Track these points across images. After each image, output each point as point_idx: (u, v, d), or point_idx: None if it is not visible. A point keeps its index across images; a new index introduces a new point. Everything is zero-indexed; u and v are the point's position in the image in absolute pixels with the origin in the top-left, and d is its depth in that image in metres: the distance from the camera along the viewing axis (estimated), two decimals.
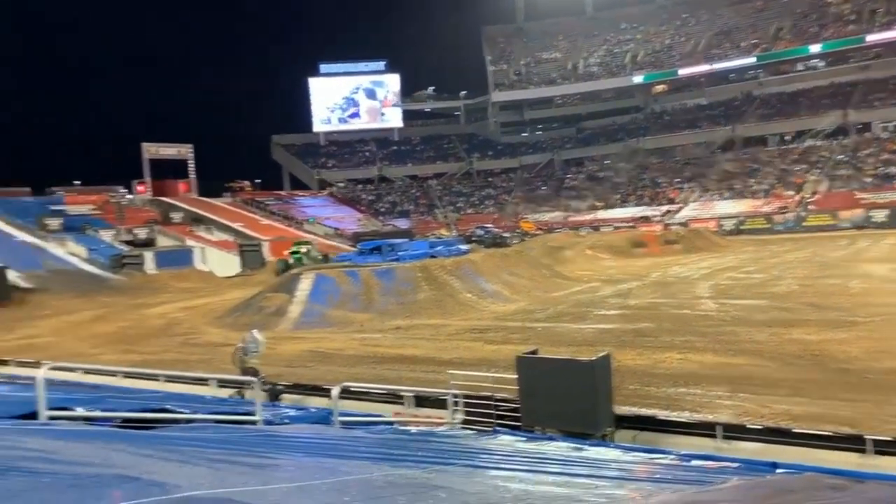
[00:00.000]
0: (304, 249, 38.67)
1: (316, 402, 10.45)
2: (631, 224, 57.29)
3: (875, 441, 7.16)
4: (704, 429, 8.05)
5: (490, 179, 79.85)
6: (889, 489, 4.39)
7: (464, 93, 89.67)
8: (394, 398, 10.38)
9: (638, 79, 77.71)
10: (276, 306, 22.28)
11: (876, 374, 11.35)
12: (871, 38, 64.68)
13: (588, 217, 63.89)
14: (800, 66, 72.72)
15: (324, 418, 7.93)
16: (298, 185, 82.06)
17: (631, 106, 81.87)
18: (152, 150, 62.48)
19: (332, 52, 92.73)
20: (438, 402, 9.84)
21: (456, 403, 9.34)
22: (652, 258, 37.47)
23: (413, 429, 7.82)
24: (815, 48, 68.20)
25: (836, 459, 6.94)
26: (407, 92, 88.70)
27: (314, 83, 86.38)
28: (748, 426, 7.98)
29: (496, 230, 51.94)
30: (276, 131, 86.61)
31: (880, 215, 48.46)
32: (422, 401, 10.11)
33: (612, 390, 8.60)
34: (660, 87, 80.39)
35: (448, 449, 5.12)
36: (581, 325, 18.32)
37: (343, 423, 7.73)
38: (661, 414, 8.84)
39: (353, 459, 4.41)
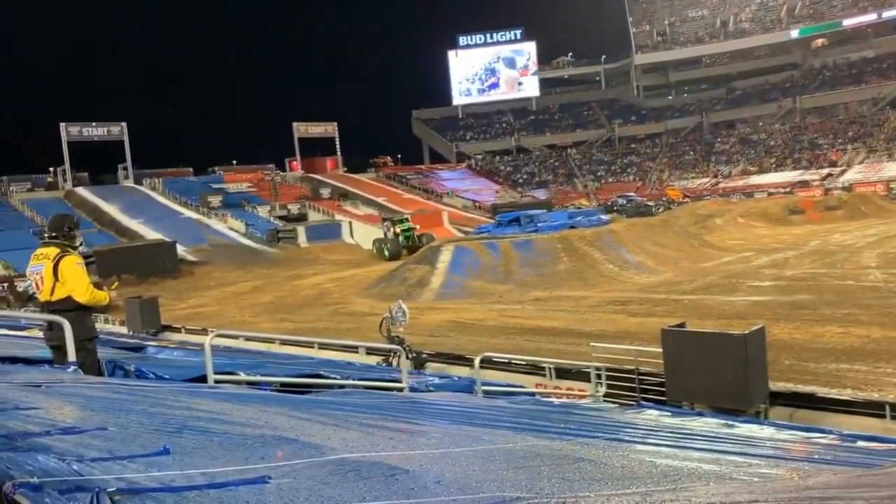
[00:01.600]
0: (399, 230, 35.71)
1: (458, 371, 10.67)
2: (787, 189, 53.71)
3: None
4: (870, 408, 7.49)
5: (633, 146, 77.33)
6: None
7: (604, 57, 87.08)
8: (535, 369, 10.41)
9: (794, 33, 72.18)
10: (419, 278, 22.89)
11: None
12: None
13: (740, 183, 60.52)
14: None
15: (466, 387, 8.08)
16: (438, 158, 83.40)
17: (787, 63, 76.25)
18: (302, 129, 65.56)
19: (470, 24, 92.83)
20: (580, 375, 9.77)
21: (598, 376, 9.24)
22: (811, 225, 35.07)
23: (555, 400, 7.81)
24: None
25: None
26: (544, 59, 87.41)
27: (453, 56, 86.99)
28: None
29: (639, 199, 50.41)
30: (416, 106, 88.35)
31: None
32: (563, 373, 10.08)
33: (766, 365, 8.18)
34: (819, 41, 74.26)
35: (591, 421, 5.07)
36: (732, 297, 17.50)
37: (485, 392, 7.85)
38: (821, 391, 8.30)
39: (496, 428, 4.47)
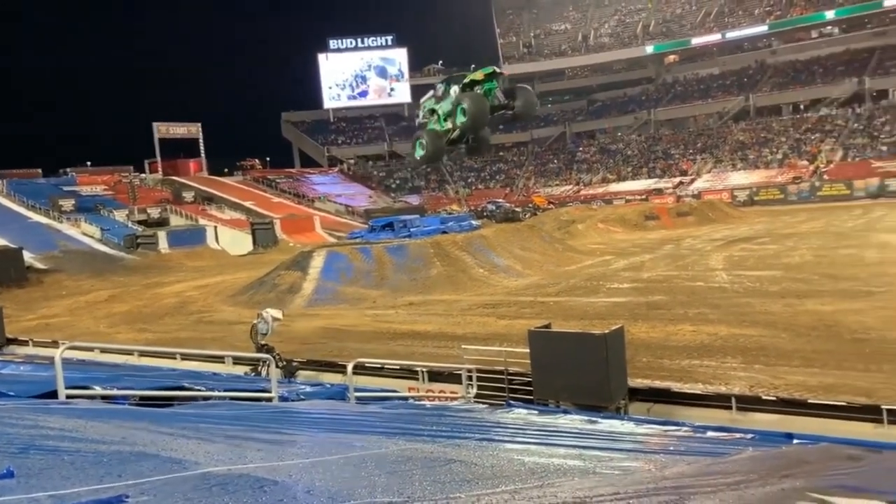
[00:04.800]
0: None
1: (331, 379, 10.53)
2: (643, 196, 56.95)
3: (891, 411, 7.15)
4: (719, 400, 8.06)
5: (501, 154, 79.45)
6: None
7: (473, 66, 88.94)
8: (408, 373, 10.45)
9: (649, 49, 76.79)
10: (290, 284, 22.40)
11: (891, 344, 11.29)
12: (889, 2, 63.44)
13: (600, 190, 63.55)
14: (814, 34, 71.53)
15: (339, 394, 7.99)
16: (309, 162, 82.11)
17: (642, 77, 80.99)
18: (163, 130, 62.60)
19: (342, 28, 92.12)
20: (452, 377, 9.91)
21: (469, 378, 9.39)
22: (664, 230, 37.32)
23: (428, 403, 7.88)
24: (829, 14, 67.02)
25: (852, 430, 6.93)
26: (416, 66, 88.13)
27: (323, 59, 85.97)
28: (763, 398, 7.98)
29: (508, 205, 51.83)
30: (286, 108, 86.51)
31: None
32: (436, 376, 10.18)
33: (625, 363, 8.61)
34: (671, 58, 79.40)
35: (462, 423, 5.15)
36: (593, 298, 18.31)
37: (358, 398, 7.79)
38: (675, 386, 8.85)
39: (368, 434, 4.44)
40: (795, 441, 5.04)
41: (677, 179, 61.20)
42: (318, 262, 23.02)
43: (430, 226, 28.12)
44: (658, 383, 9.06)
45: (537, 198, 59.48)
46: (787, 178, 54.62)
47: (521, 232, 29.30)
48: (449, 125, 21.97)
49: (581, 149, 75.55)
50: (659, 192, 58.38)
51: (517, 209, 48.96)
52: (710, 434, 5.15)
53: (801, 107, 65.65)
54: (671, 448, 4.47)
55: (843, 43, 68.27)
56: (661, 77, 79.56)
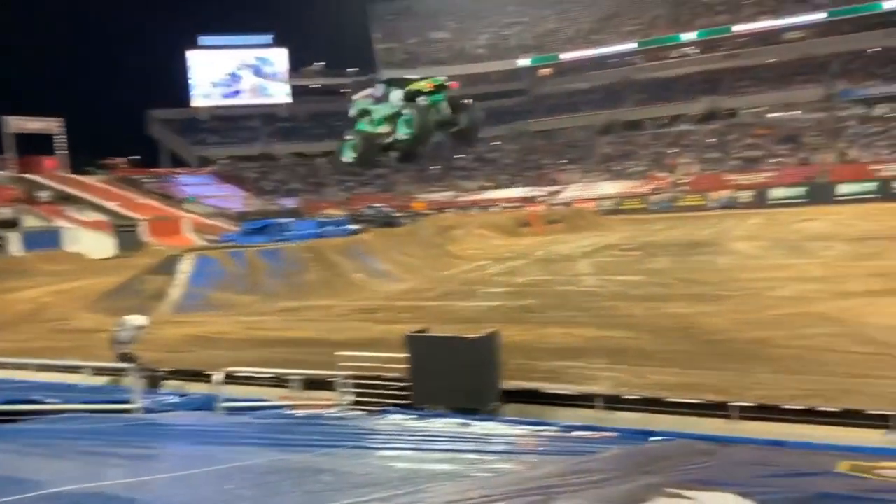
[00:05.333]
0: None
1: (198, 388, 10.10)
2: (518, 204, 58.56)
3: (739, 407, 7.69)
4: (585, 400, 8.39)
5: (379, 158, 79.27)
6: (752, 451, 4.72)
7: (353, 69, 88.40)
8: (280, 382, 10.20)
9: (524, 62, 79.18)
10: (155, 289, 21.33)
11: (740, 344, 12.17)
12: (738, 28, 68.62)
13: (477, 197, 64.78)
14: (674, 53, 76.21)
15: (206, 404, 7.69)
16: (178, 162, 78.58)
17: (518, 89, 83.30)
18: (16, 124, 58.05)
19: (215, 24, 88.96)
20: (327, 385, 9.76)
21: (345, 385, 9.29)
22: (537, 237, 38.49)
23: (300, 412, 7.71)
24: (688, 36, 71.62)
25: (705, 425, 7.41)
26: (295, 67, 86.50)
27: (193, 56, 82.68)
28: (625, 397, 8.38)
29: (387, 209, 51.80)
30: (154, 106, 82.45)
31: (745, 196, 51.78)
32: (310, 383, 10.00)
33: (499, 365, 8.79)
34: (545, 71, 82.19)
35: (335, 431, 5.08)
36: (470, 302, 18.61)
37: (227, 408, 7.52)
38: (546, 387, 9.13)
39: (236, 446, 4.29)
40: (654, 438, 5.32)
41: (549, 188, 63.40)
42: (186, 266, 22.06)
43: (306, 229, 27.66)
44: (530, 384, 9.33)
45: (417, 203, 59.86)
46: (648, 188, 57.81)
47: (400, 237, 29.37)
48: (383, 130, 21.25)
49: (459, 156, 76.75)
50: (532, 199, 60.25)
51: (396, 214, 49.06)
52: (576, 433, 5.35)
53: (662, 122, 69.70)
54: (541, 448, 4.61)
55: (699, 63, 73.10)
56: (535, 89, 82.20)
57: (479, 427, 5.67)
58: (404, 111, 20.01)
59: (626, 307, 16.19)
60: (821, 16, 65.08)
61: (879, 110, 57.52)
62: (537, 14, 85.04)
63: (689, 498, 2.72)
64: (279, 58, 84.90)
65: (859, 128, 56.40)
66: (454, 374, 8.21)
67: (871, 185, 46.96)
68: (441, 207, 58.74)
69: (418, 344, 8.72)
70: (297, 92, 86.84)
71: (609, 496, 2.54)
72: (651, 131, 69.22)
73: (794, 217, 38.28)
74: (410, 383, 8.71)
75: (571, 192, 61.47)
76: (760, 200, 50.07)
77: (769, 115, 63.92)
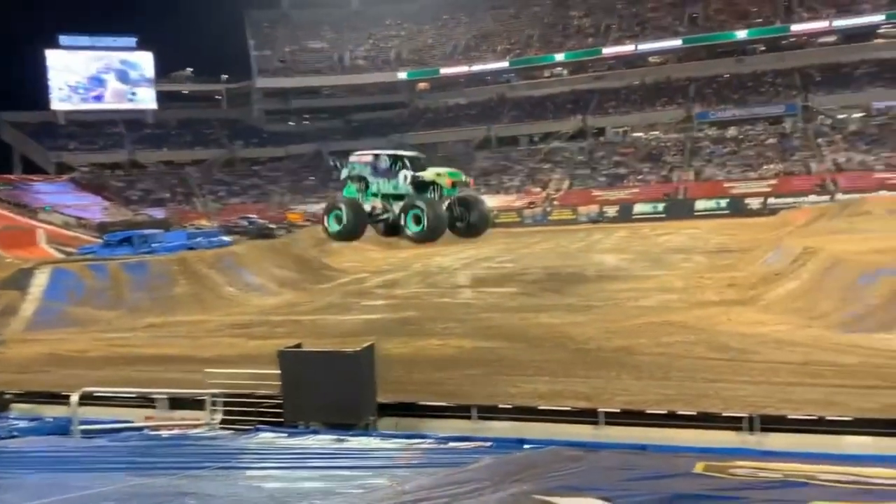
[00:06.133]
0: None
1: (52, 412, 9.39)
2: None
3: (606, 413, 8.01)
4: (461, 411, 8.46)
5: (255, 168, 77.18)
6: (618, 456, 4.91)
7: (225, 76, 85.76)
8: (145, 401, 9.66)
9: (402, 75, 79.64)
10: (5, 305, 19.73)
11: (607, 353, 12.71)
12: (607, 51, 72.17)
13: None
14: (546, 73, 79.10)
15: (61, 428, 7.16)
16: (33, 168, 73.20)
17: (397, 101, 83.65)
18: None
19: (76, 23, 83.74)
20: (195, 403, 9.33)
21: (214, 403, 8.92)
22: (416, 249, 38.59)
23: (165, 433, 7.32)
24: (559, 57, 74.52)
25: (574, 432, 7.66)
26: (163, 72, 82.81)
27: (53, 56, 77.49)
28: (500, 406, 8.53)
29: (261, 221, 50.52)
30: (6, 108, 76.51)
31: (612, 211, 54.34)
32: (176, 403, 9.53)
33: (375, 379, 8.73)
34: (423, 85, 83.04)
35: (202, 452, 4.84)
36: (347, 315, 18.43)
37: (84, 432, 7.03)
38: (423, 399, 9.14)
39: (92, 472, 4.01)
40: (527, 446, 5.43)
41: None
42: (41, 279, 20.54)
43: (175, 241, 26.51)
44: (406, 397, 9.32)
45: (293, 215, 58.65)
46: (523, 203, 59.53)
47: (275, 249, 28.71)
48: (377, 205, 18.97)
49: (337, 167, 76.09)
50: None
51: (271, 226, 47.93)
52: (451, 444, 5.38)
53: (536, 139, 72.06)
54: (415, 461, 4.59)
55: (569, 84, 76.19)
56: (414, 103, 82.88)
57: (354, 442, 5.59)
58: (416, 203, 17.59)
59: (502, 318, 16.56)
60: (678, 42, 69.53)
61: (732, 132, 62.11)
62: (415, 28, 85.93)
63: None
64: (145, 61, 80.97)
65: (714, 148, 60.59)
66: (329, 390, 8.06)
67: (724, 202, 50.52)
68: (318, 219, 57.90)
69: (291, 359, 8.51)
70: (164, 98, 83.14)
71: None
72: (525, 147, 71.39)
73: (656, 231, 40.55)
74: (283, 400, 8.48)
75: None
76: (625, 215, 52.72)
77: (633, 135, 67.58)
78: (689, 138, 63.26)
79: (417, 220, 17.40)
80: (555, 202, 58.58)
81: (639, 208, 53.49)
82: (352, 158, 20.27)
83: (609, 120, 69.98)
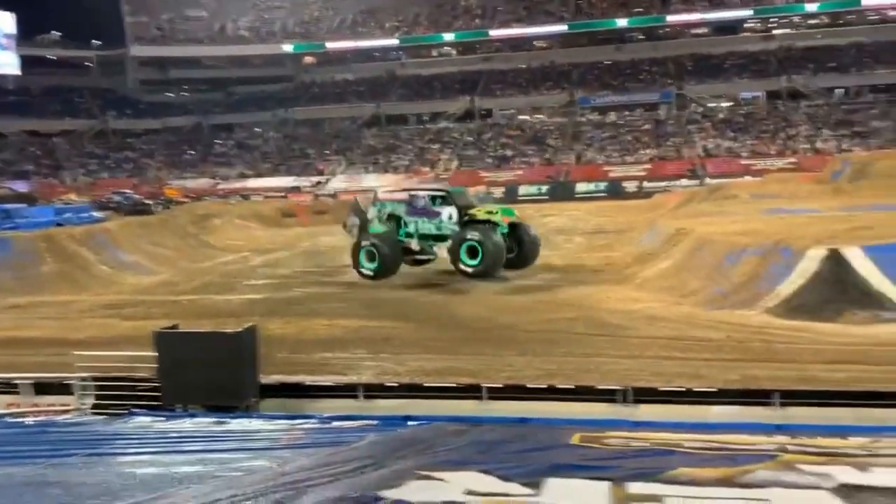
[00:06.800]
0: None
1: None
2: (282, 194, 57.33)
3: (489, 388, 8.20)
4: (347, 391, 8.43)
5: (129, 141, 73.23)
6: (500, 430, 5.03)
7: (97, 43, 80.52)
8: (6, 387, 9.03)
9: (288, 48, 77.49)
10: None
11: (494, 330, 12.99)
12: (494, 33, 73.03)
13: (238, 185, 62.34)
14: (435, 53, 79.22)
15: None
16: None
17: (282, 75, 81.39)
18: None
19: None
20: (64, 388, 8.83)
21: (84, 387, 8.46)
22: (302, 228, 38.02)
23: (29, 420, 6.88)
24: (448, 36, 74.76)
25: (459, 407, 7.80)
26: (26, 35, 76.78)
27: None
28: (386, 384, 8.56)
29: (137, 196, 48.03)
30: None
31: (498, 192, 55.36)
32: (43, 388, 8.97)
33: (258, 360, 8.54)
34: (309, 59, 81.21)
35: (69, 438, 4.58)
36: (229, 295, 17.90)
37: None
38: (308, 379, 9.03)
39: None
40: (411, 422, 5.47)
41: (315, 178, 62.87)
42: None
43: (41, 217, 24.85)
44: (290, 377, 9.18)
45: (170, 190, 56.14)
46: (412, 182, 59.62)
47: (151, 226, 27.43)
48: (412, 245, 18.03)
49: (218, 142, 73.34)
50: (297, 189, 59.31)
51: (147, 201, 45.71)
52: (336, 424, 5.34)
53: (425, 118, 72.18)
54: (297, 442, 4.53)
55: (458, 64, 76.70)
56: (300, 77, 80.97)
57: (235, 424, 5.45)
58: (471, 235, 16.27)
59: (390, 297, 16.56)
60: (563, 28, 71.32)
61: (611, 117, 64.56)
62: (300, 1, 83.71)
63: (439, 479, 2.81)
64: (6, 23, 74.86)
65: (594, 132, 62.80)
66: (209, 371, 7.82)
67: (603, 185, 52.53)
68: (198, 195, 55.66)
69: (169, 341, 8.18)
70: (29, 63, 77.17)
71: (361, 484, 2.55)
72: (414, 126, 71.38)
73: (540, 212, 41.59)
74: (160, 383, 8.15)
75: (337, 183, 61.47)
76: (511, 196, 53.82)
77: (520, 117, 68.97)
78: (572, 122, 65.25)
79: (474, 254, 16.57)
80: (444, 182, 59.00)
81: (524, 190, 54.79)
82: (381, 196, 19.15)
83: (496, 102, 71.05)
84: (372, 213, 18.74)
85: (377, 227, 18.30)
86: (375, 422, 5.52)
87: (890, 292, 11.89)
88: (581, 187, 52.53)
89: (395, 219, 18.39)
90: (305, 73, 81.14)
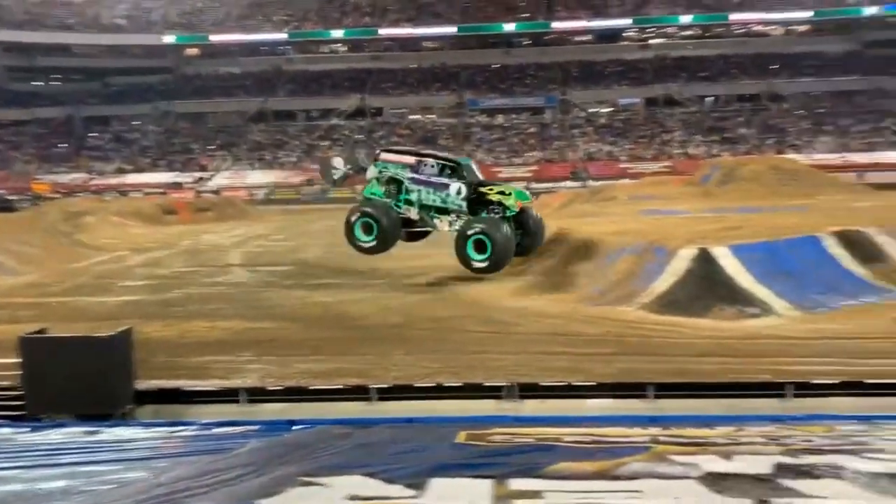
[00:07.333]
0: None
1: None
2: (162, 190, 55.01)
3: (378, 389, 8.18)
4: (229, 395, 8.19)
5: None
6: (386, 431, 5.02)
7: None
8: None
9: (169, 39, 74.37)
10: None
11: (382, 329, 12.96)
12: (383, 31, 72.95)
13: (114, 181, 59.32)
14: (325, 49, 78.23)
15: None
16: None
17: (162, 66, 78.01)
18: None
19: None
20: None
21: None
22: (183, 226, 36.57)
23: None
24: (337, 33, 73.99)
25: (346, 409, 7.73)
26: None
27: None
28: (270, 388, 8.37)
29: (1, 191, 44.91)
30: None
31: None
32: None
33: (133, 365, 8.15)
34: (192, 51, 78.28)
35: None
36: (104, 297, 16.98)
37: None
38: (187, 385, 8.70)
39: None
40: (296, 427, 5.37)
41: (197, 175, 60.72)
42: None
43: None
44: (168, 383, 8.81)
45: (39, 185, 52.83)
46: (301, 179, 58.60)
47: (17, 223, 25.69)
48: (410, 214, 16.49)
49: (93, 134, 69.46)
50: (178, 186, 57.10)
51: (11, 197, 42.83)
52: (216, 430, 5.17)
53: (314, 114, 71.14)
54: (175, 451, 4.35)
55: (347, 61, 76.10)
56: (182, 69, 77.89)
57: (108, 434, 5.17)
58: (479, 227, 14.53)
59: (276, 297, 16.20)
60: (452, 29, 72.16)
61: (500, 120, 65.91)
62: None
63: (321, 484, 2.78)
64: None
65: (483, 134, 63.93)
66: (80, 378, 7.38)
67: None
68: (70, 191, 52.59)
69: (35, 346, 7.66)
70: None
71: (241, 493, 2.48)
72: (303, 123, 70.20)
73: None
74: (25, 391, 7.63)
75: (221, 179, 59.61)
76: None
77: (411, 117, 69.22)
78: (462, 123, 66.15)
79: (481, 248, 15.21)
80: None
81: None
82: (383, 156, 17.35)
83: (387, 101, 71.05)
84: (372, 172, 17.19)
85: (375, 189, 17.03)
86: (257, 427, 5.38)
87: (753, 289, 12.75)
88: None
89: (395, 183, 16.94)
90: (188, 66, 78.16)
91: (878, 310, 12.61)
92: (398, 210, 16.82)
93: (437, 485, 3.19)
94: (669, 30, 72.42)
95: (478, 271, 15.70)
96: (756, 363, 9.89)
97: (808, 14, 67.20)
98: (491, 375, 9.62)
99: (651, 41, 72.42)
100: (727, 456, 3.97)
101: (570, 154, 58.37)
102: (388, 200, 16.85)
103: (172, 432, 5.21)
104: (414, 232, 17.51)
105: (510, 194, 15.90)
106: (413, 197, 16.67)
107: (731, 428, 4.88)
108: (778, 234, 14.74)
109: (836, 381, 8.38)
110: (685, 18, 68.56)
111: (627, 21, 69.67)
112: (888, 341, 10.88)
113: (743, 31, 71.40)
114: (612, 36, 72.54)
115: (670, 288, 13.22)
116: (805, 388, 8.26)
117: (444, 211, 16.44)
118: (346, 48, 77.60)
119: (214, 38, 74.46)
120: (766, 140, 57.71)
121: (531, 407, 8.13)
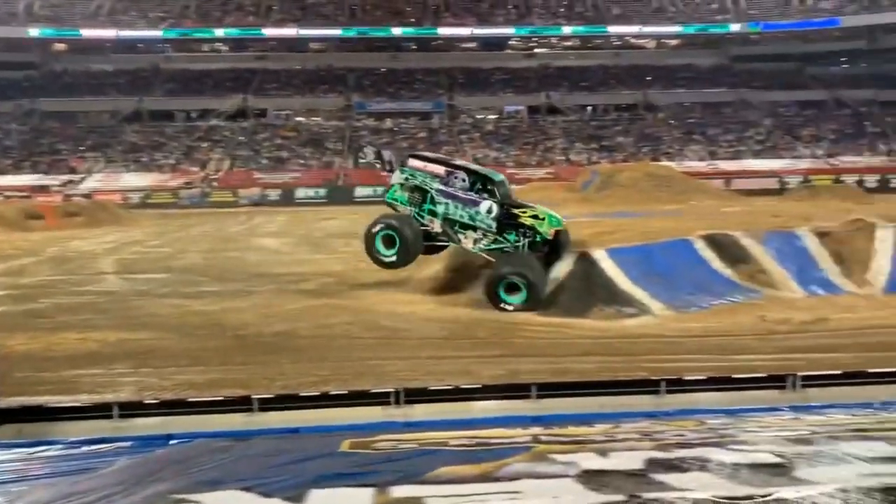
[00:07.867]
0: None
1: None
2: (26, 194, 51.44)
3: (260, 399, 7.92)
4: (100, 410, 7.71)
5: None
6: (268, 443, 4.88)
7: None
8: None
9: (35, 32, 69.70)
10: None
11: (267, 338, 12.60)
12: (267, 31, 71.38)
13: None
14: (205, 48, 75.66)
15: None
16: None
17: (26, 61, 73.01)
18: None
19: None
20: None
21: None
22: (50, 232, 34.33)
23: None
24: (218, 32, 71.75)
25: (227, 421, 7.43)
26: None
27: None
28: (145, 402, 7.95)
29: None
30: None
31: (274, 194, 54.17)
32: None
33: None
34: (60, 46, 73.74)
35: None
36: None
37: None
38: (52, 401, 8.13)
39: None
40: (173, 441, 5.13)
41: (66, 177, 57.20)
42: None
43: None
44: (31, 400, 8.20)
45: None
46: (179, 182, 56.37)
47: None
48: (434, 227, 14.99)
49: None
50: (44, 189, 53.60)
51: None
52: (84, 449, 4.85)
53: (193, 115, 68.60)
54: (35, 473, 4.04)
55: (230, 61, 73.91)
56: (49, 65, 73.21)
57: None
58: (516, 269, 12.78)
59: (152, 307, 15.45)
60: (338, 32, 71.56)
61: (388, 124, 65.89)
62: None
63: (195, 501, 2.65)
64: None
65: (371, 138, 63.70)
66: None
67: (381, 189, 53.32)
68: None
69: None
70: None
71: None
72: (182, 124, 67.57)
73: (317, 216, 41.32)
74: None
75: (93, 182, 56.41)
76: (287, 199, 52.89)
77: (296, 119, 68.01)
78: (349, 126, 65.72)
79: (513, 290, 14.01)
80: (214, 183, 56.52)
81: (301, 192, 54.23)
82: (412, 163, 15.92)
83: (271, 102, 69.62)
84: (397, 177, 15.97)
85: (398, 195, 15.88)
86: (131, 443, 5.09)
87: (630, 290, 13.34)
88: (360, 191, 53.03)
89: (420, 191, 15.71)
90: (56, 62, 73.53)
91: (745, 308, 13.50)
92: (421, 221, 15.71)
93: (318, 496, 3.11)
94: (552, 40, 74.82)
95: (504, 310, 14.49)
96: (633, 361, 10.31)
97: (679, 28, 71.25)
98: (380, 382, 9.53)
99: (535, 51, 74.57)
100: (603, 453, 4.10)
101: (458, 160, 59.20)
102: (410, 209, 15.78)
103: (34, 453, 4.84)
104: (433, 246, 16.32)
105: (544, 219, 14.99)
106: (439, 209, 15.52)
107: (609, 425, 5.06)
108: (653, 237, 15.48)
109: (706, 377, 8.84)
110: (567, 29, 71.06)
111: (511, 30, 71.44)
112: (753, 338, 11.66)
113: (620, 43, 74.79)
114: (498, 44, 74.19)
115: (554, 290, 13.62)
116: (677, 385, 8.66)
117: (469, 227, 15.41)
118: (228, 47, 75.38)
119: (86, 32, 70.46)
120: (642, 148, 60.66)
121: (420, 412, 8.11)
